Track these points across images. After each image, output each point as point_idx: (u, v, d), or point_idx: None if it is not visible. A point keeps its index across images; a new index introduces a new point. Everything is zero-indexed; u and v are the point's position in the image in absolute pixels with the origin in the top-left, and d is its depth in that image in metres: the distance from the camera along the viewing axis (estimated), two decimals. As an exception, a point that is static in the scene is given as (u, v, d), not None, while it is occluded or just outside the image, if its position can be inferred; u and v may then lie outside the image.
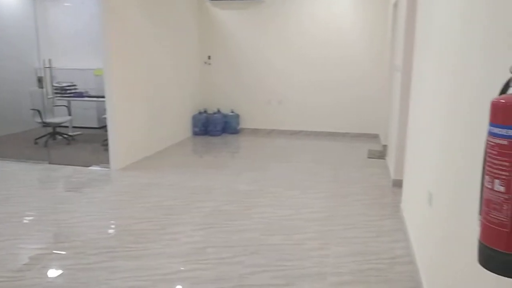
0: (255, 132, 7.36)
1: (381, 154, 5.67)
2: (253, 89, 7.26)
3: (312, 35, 6.85)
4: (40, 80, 6.54)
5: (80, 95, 6.75)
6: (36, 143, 6.35)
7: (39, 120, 6.18)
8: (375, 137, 6.87)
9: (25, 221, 3.47)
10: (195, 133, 7.12)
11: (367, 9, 6.60)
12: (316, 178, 4.66)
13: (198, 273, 2.60)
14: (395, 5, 5.10)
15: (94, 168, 5.05)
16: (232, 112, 7.29)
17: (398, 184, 4.12)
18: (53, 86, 6.60)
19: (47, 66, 6.07)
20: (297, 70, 7.00)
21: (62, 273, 2.59)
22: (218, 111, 7.27)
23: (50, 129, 6.53)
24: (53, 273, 2.60)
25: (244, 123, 7.39)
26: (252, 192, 4.16)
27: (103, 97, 5.12)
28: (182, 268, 2.65)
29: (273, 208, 3.73)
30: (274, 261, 2.75)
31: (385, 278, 2.54)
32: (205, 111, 7.27)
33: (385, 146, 5.67)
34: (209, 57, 7.34)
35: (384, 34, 6.52)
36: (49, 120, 6.30)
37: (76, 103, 7.12)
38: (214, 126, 7.10)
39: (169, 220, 3.45)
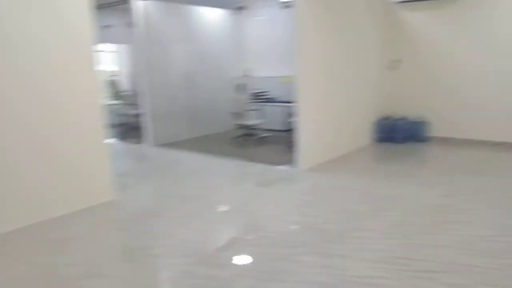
0: (446, 141, 6.75)
1: None
2: (445, 94, 6.67)
3: (524, 33, 5.91)
4: (239, 87, 7.37)
5: (272, 100, 7.35)
6: (233, 142, 7.19)
7: (236, 122, 6.98)
8: None
9: (225, 209, 3.96)
10: (377, 140, 6.94)
11: None
12: (525, 197, 4.01)
13: (386, 282, 2.53)
14: None
15: (282, 167, 5.43)
16: (420, 118, 6.85)
17: None
18: (249, 92, 7.37)
19: (246, 74, 6.80)
20: (500, 73, 6.14)
21: (255, 259, 2.86)
22: (404, 117, 6.93)
23: (244, 131, 7.29)
24: (248, 258, 2.90)
25: (434, 131, 6.85)
26: (444, 206, 3.83)
27: (289, 102, 5.49)
28: (371, 274, 2.62)
29: (472, 226, 3.36)
30: (474, 284, 2.48)
31: None
32: (389, 117, 7.03)
33: None
34: (395, 61, 7.07)
35: None
36: (244, 122, 7.05)
37: (267, 107, 7.79)
38: (398, 133, 6.80)
39: (356, 224, 3.46)
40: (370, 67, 6.72)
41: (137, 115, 8.45)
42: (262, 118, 7.67)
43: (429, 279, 2.55)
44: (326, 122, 5.61)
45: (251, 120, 7.32)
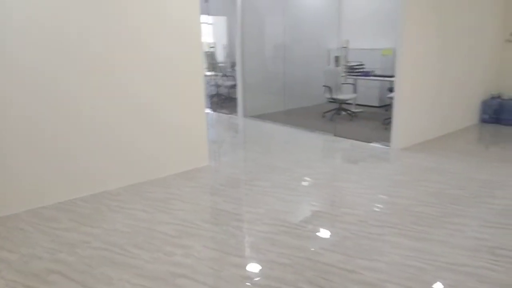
0: None
1: None
2: None
3: None
4: (336, 60, 7.18)
5: (367, 74, 7.06)
6: (324, 116, 7.10)
7: (329, 96, 6.85)
8: None
9: (315, 182, 3.97)
10: (484, 120, 6.35)
11: None
12: None
13: (486, 272, 2.36)
14: None
15: (374, 144, 5.25)
16: (537, 99, 6.10)
17: None
18: (344, 65, 7.15)
19: (344, 46, 6.58)
20: None
21: (347, 236, 2.85)
22: (517, 97, 6.23)
23: (336, 105, 7.14)
24: (339, 234, 2.89)
25: (553, 114, 6.06)
26: (561, 198, 3.42)
27: (387, 76, 5.19)
28: (469, 263, 2.47)
29: None
30: None
31: None
32: (499, 96, 6.36)
33: None
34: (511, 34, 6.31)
35: None
36: (337, 96, 6.89)
37: (360, 81, 7.51)
38: (509, 114, 6.15)
39: (454, 209, 3.25)
40: (485, 40, 6.07)
41: (231, 86, 8.72)
42: (357, 93, 7.43)
43: (537, 275, 2.32)
44: (427, 99, 5.25)
45: (345, 95, 7.13)
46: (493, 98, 6.33)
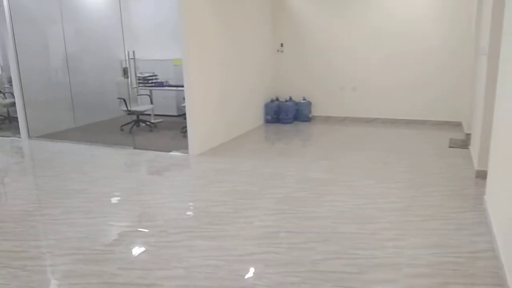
0: (327, 119, 7.28)
1: (464, 143, 5.33)
2: (326, 76, 7.16)
3: (389, 20, 6.57)
4: (125, 71, 7.02)
5: (161, 84, 7.14)
6: (122, 129, 6.86)
7: (125, 108, 6.66)
8: (457, 125, 6.46)
9: (113, 200, 3.80)
10: (267, 121, 7.21)
11: (451, -12, 6.17)
12: (393, 167, 4.52)
13: (271, 256, 2.67)
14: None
15: (174, 153, 5.35)
16: (304, 99, 7.26)
17: (482, 175, 3.87)
18: (136, 76, 7.05)
19: (131, 57, 6.49)
20: (373, 56, 6.77)
21: (146, 249, 2.81)
22: (290, 99, 7.29)
23: (134, 117, 7.00)
24: (138, 249, 2.83)
25: (316, 111, 7.34)
26: (324, 180, 4.15)
27: (181, 86, 5.34)
28: (256, 251, 2.74)
29: (347, 196, 3.70)
30: (347, 249, 2.74)
31: (465, 272, 2.42)
32: (277, 99, 7.33)
33: (468, 135, 5.31)
34: (281, 45, 7.36)
35: (468, 15, 6.05)
36: (133, 108, 6.76)
37: (157, 92, 7.55)
38: (286, 114, 7.14)
39: (243, 204, 3.57)
40: (260, 51, 6.89)
41: (9, 105, 7.60)
42: (154, 103, 7.44)
43: (310, 249, 2.75)
44: (217, 106, 5.64)
45: (141, 106, 7.06)
46: (272, 101, 7.24)
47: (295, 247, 2.78)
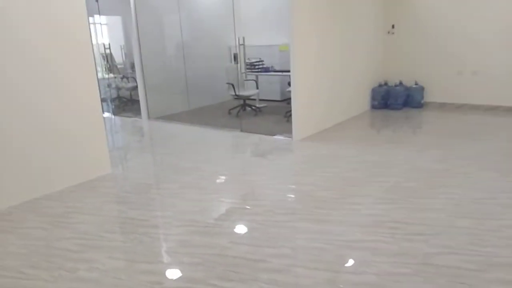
0: (442, 106, 6.75)
1: None
2: (441, 59, 6.62)
3: (522, -7, 5.81)
4: (235, 57, 7.29)
5: (267, 70, 7.28)
6: (229, 113, 7.18)
7: (233, 93, 6.94)
8: None
9: (223, 179, 4.01)
10: (374, 107, 6.94)
11: None
12: (518, 160, 4.05)
13: (380, 245, 2.60)
14: None
15: (278, 137, 5.45)
16: (416, 84, 6.82)
17: None
18: (245, 62, 7.29)
19: (241, 43, 6.71)
20: (496, 39, 6.06)
21: (254, 227, 2.93)
22: (400, 83, 6.91)
23: (241, 101, 7.27)
24: (247, 226, 2.96)
25: (430, 97, 6.85)
26: (437, 171, 3.88)
27: (286, 71, 5.44)
28: (364, 238, 2.69)
29: (463, 189, 3.42)
30: (463, 244, 2.55)
31: None
32: (386, 84, 7.00)
33: None
34: (393, 26, 6.98)
35: None
36: (241, 93, 7.01)
37: (261, 77, 7.73)
38: (395, 99, 6.80)
39: (349, 191, 3.51)
40: (369, 33, 6.62)
41: (132, 88, 8.41)
42: (259, 88, 7.63)
43: (422, 241, 2.61)
44: (322, 90, 5.58)
45: (248, 91, 7.28)
46: (380, 86, 6.94)
47: (405, 238, 2.66)
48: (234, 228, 2.94)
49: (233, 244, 2.68)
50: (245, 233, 2.85)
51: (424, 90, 6.81)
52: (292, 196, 3.52)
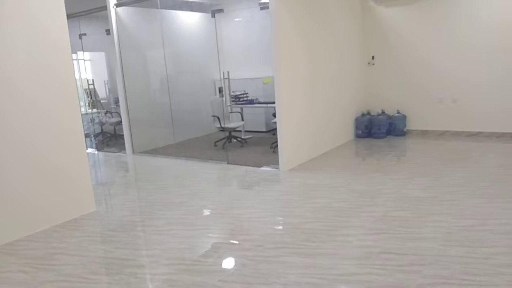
0: (424, 133, 6.87)
1: None
2: (422, 88, 6.79)
3: (489, 31, 6.06)
4: (220, 90, 7.36)
5: (251, 102, 7.35)
6: (215, 145, 7.16)
7: (218, 126, 6.95)
8: None
9: (211, 213, 3.95)
10: (358, 136, 7.01)
11: None
12: (505, 185, 4.10)
13: (373, 277, 2.55)
14: None
15: (265, 168, 5.43)
16: (398, 113, 6.95)
17: None
18: (230, 95, 7.36)
19: (226, 77, 6.79)
20: (474, 67, 6.27)
21: (244, 263, 2.86)
22: (383, 112, 7.03)
23: (226, 133, 7.27)
24: (237, 262, 2.89)
25: (412, 125, 6.97)
26: (425, 199, 3.90)
27: (271, 103, 5.49)
28: (357, 271, 2.64)
29: (452, 217, 3.42)
30: (457, 274, 2.52)
31: None
32: (369, 113, 7.11)
33: None
34: (372, 57, 7.17)
35: None
36: (226, 125, 7.02)
37: (246, 109, 7.78)
38: (378, 128, 6.89)
39: (339, 222, 3.48)
40: (350, 64, 6.78)
41: (116, 123, 8.35)
42: (245, 120, 7.66)
43: (415, 272, 2.58)
44: (307, 121, 5.64)
45: (233, 123, 7.30)
46: (363, 115, 7.04)
47: (398, 269, 2.63)
48: (224, 264, 2.87)
49: (223, 283, 2.60)
50: (235, 270, 2.78)
51: (406, 118, 6.94)
52: (281, 228, 3.47)
